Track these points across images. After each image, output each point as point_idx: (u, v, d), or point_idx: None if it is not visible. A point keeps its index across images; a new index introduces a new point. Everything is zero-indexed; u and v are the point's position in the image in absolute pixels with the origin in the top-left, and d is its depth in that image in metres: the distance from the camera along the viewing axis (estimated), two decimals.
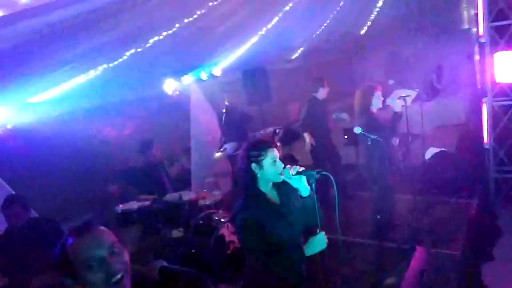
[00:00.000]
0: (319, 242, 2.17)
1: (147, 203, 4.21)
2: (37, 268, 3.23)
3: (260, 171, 2.15)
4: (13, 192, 3.90)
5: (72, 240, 1.29)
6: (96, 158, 4.95)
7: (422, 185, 4.58)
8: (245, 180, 2.18)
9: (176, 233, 4.39)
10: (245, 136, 5.76)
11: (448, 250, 3.80)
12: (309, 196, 2.20)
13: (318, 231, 2.19)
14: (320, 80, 5.44)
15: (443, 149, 5.69)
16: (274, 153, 2.16)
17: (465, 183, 4.96)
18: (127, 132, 5.90)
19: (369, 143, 3.90)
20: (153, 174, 4.68)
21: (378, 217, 4.14)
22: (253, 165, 2.14)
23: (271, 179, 2.18)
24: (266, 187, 2.20)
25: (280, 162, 2.17)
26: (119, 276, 1.28)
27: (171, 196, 4.38)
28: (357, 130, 3.86)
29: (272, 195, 2.23)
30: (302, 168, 2.15)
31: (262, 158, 2.14)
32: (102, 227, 1.35)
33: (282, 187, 2.22)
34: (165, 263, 1.52)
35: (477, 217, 4.47)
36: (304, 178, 2.16)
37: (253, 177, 2.16)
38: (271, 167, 2.14)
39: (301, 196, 2.21)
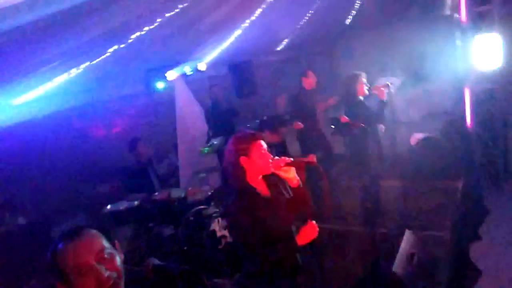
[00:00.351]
0: (310, 231, 2.19)
1: (136, 202, 4.18)
2: (26, 273, 3.20)
3: (248, 164, 2.15)
4: None
5: (61, 245, 1.27)
6: (84, 158, 4.89)
7: (409, 170, 4.64)
8: (234, 175, 2.17)
9: (167, 230, 4.37)
10: (233, 130, 5.74)
11: (436, 232, 3.89)
12: (298, 186, 2.22)
13: (309, 220, 2.22)
14: (303, 71, 5.45)
15: (428, 134, 5.77)
16: (261, 145, 2.16)
17: (451, 167, 5.05)
18: (115, 131, 5.84)
19: (356, 132, 3.93)
20: (140, 173, 4.63)
21: (369, 205, 4.20)
22: (242, 159, 2.14)
23: (260, 171, 2.18)
24: (255, 180, 2.20)
25: (268, 154, 2.18)
26: (110, 283, 1.26)
27: (160, 194, 4.36)
28: (343, 119, 3.89)
29: (262, 187, 2.23)
30: (290, 159, 2.17)
31: (250, 150, 2.14)
32: (93, 231, 1.32)
33: (271, 178, 2.23)
34: (157, 261, 1.51)
35: (463, 199, 4.56)
36: (293, 169, 2.17)
37: (242, 171, 2.15)
38: (260, 159, 2.14)
39: (290, 186, 2.23)
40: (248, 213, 2.09)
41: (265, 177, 2.23)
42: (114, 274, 1.28)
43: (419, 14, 9.49)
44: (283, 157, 2.17)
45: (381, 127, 4.40)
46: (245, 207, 2.11)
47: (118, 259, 1.32)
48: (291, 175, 2.17)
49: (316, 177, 2.50)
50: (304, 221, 2.24)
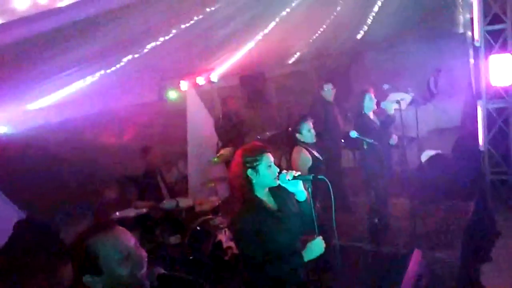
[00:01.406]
0: (317, 246, 2.17)
1: (144, 210, 4.20)
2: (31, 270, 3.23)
3: (256, 176, 2.14)
4: (9, 201, 3.88)
5: (95, 237, 1.32)
6: (94, 164, 4.95)
7: (419, 188, 4.59)
8: (241, 186, 2.16)
9: (174, 239, 4.37)
10: (242, 141, 5.76)
11: (446, 253, 3.81)
12: (305, 200, 2.21)
13: (315, 236, 2.20)
14: (321, 84, 5.22)
15: (439, 151, 5.71)
16: (269, 158, 2.16)
17: (462, 186, 4.98)
18: (125, 138, 5.90)
19: (365, 147, 3.92)
20: (150, 180, 4.66)
21: (376, 221, 4.15)
22: (249, 171, 2.13)
23: (267, 184, 2.17)
24: (262, 193, 2.19)
25: (275, 167, 2.18)
26: (144, 269, 1.35)
27: (168, 203, 4.37)
28: (353, 134, 3.87)
29: (269, 200, 2.22)
30: (298, 173, 2.16)
31: (257, 163, 2.13)
32: (121, 227, 1.41)
33: (278, 192, 2.22)
34: (163, 270, 1.52)
35: (475, 220, 4.48)
36: (300, 182, 2.16)
37: (249, 183, 2.15)
38: (267, 172, 2.13)
39: (297, 200, 2.22)
40: (253, 226, 2.08)
41: (271, 190, 2.23)
42: (146, 263, 1.37)
43: (431, 31, 9.48)
44: (290, 170, 2.17)
45: (394, 138, 4.33)
46: (250, 219, 2.10)
47: (144, 251, 1.41)
48: (298, 189, 2.17)
49: (323, 191, 2.49)
50: (310, 236, 2.22)
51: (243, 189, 2.16)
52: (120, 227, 1.40)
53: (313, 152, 3.53)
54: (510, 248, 3.85)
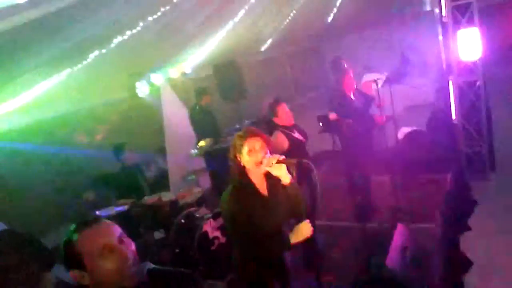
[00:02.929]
0: (304, 229, 2.19)
1: (126, 207, 4.11)
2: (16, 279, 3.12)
3: (242, 160, 2.15)
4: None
5: (80, 232, 1.31)
6: (69, 166, 4.80)
7: (398, 165, 4.68)
8: (232, 168, 2.21)
9: (158, 234, 4.32)
10: (218, 131, 5.69)
11: (427, 224, 3.93)
12: (291, 184, 2.21)
13: (303, 219, 2.21)
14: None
15: (414, 128, 5.84)
16: (252, 143, 2.15)
17: (438, 160, 5.12)
18: (99, 137, 5.74)
19: (344, 128, 3.95)
20: (128, 178, 4.56)
21: (359, 199, 4.22)
22: (237, 154, 2.16)
23: (250, 168, 2.17)
24: (256, 178, 2.20)
25: (260, 152, 2.15)
26: (130, 262, 1.32)
27: (149, 198, 4.30)
28: (332, 116, 3.89)
29: (261, 186, 2.22)
30: (282, 157, 2.15)
31: (242, 147, 2.15)
32: (107, 220, 1.40)
33: (273, 178, 2.22)
34: (152, 265, 1.48)
35: (452, 191, 4.62)
36: (284, 166, 2.16)
37: (239, 165, 2.17)
38: (247, 156, 2.14)
39: (283, 185, 2.21)
40: (240, 207, 2.10)
41: (267, 177, 2.22)
42: (132, 256, 1.35)
43: (400, 10, 9.62)
44: (274, 155, 2.16)
45: (383, 118, 4.34)
46: (239, 201, 2.11)
47: (133, 245, 1.40)
48: (282, 172, 2.16)
49: (307, 174, 2.49)
50: (297, 219, 2.23)
51: (234, 170, 2.20)
52: (106, 221, 1.38)
53: (293, 134, 3.50)
54: (485, 216, 3.99)
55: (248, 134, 2.18)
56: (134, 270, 1.34)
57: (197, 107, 5.53)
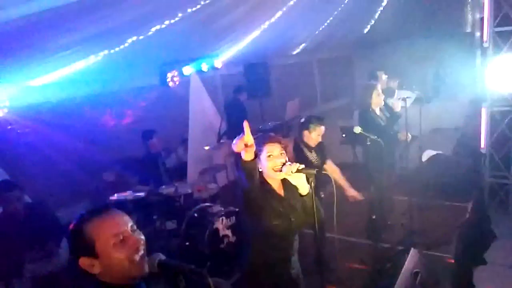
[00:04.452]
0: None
1: (143, 193, 4.19)
2: (31, 251, 3.24)
3: (260, 164, 2.17)
4: (8, 177, 3.86)
5: (91, 220, 1.33)
6: (93, 146, 4.91)
7: (418, 187, 4.59)
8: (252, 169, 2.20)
9: (170, 224, 4.38)
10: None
11: (442, 253, 3.84)
12: (308, 194, 2.20)
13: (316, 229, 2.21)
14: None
15: (439, 152, 5.71)
16: (270, 148, 2.17)
17: (461, 187, 4.99)
18: (125, 121, 5.86)
19: (368, 143, 3.89)
20: (150, 164, 4.64)
21: (374, 217, 4.15)
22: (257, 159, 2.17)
23: (268, 173, 2.18)
24: (273, 182, 2.23)
25: (279, 159, 2.16)
26: (141, 252, 1.34)
27: (166, 188, 4.36)
28: (357, 129, 3.84)
29: (279, 188, 2.26)
30: (301, 166, 2.14)
31: (260, 152, 2.16)
32: (117, 209, 1.41)
33: (291, 186, 2.22)
34: (163, 257, 1.50)
35: (471, 221, 4.49)
36: (303, 176, 2.15)
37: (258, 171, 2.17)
38: (265, 162, 2.16)
39: (300, 194, 2.21)
40: (258, 199, 2.11)
41: (284, 183, 2.25)
42: (143, 247, 1.36)
43: (439, 29, 9.40)
44: (294, 163, 2.16)
45: (408, 135, 4.28)
46: (257, 192, 2.12)
47: (143, 236, 1.41)
48: (301, 182, 2.16)
49: (325, 185, 2.48)
50: (310, 229, 2.24)
51: (253, 171, 2.15)
52: (117, 211, 1.40)
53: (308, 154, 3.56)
54: (505, 252, 3.87)
55: (268, 139, 2.20)
56: (144, 261, 1.35)
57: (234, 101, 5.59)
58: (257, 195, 2.13)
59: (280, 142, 2.20)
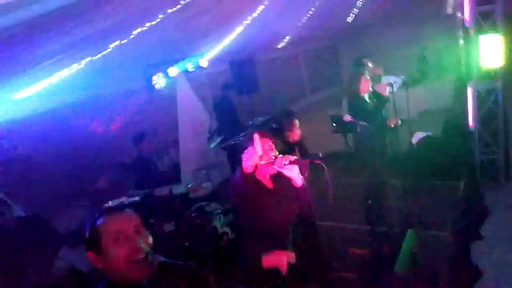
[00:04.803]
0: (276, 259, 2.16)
1: (137, 198, 4.16)
2: (27, 266, 3.21)
3: (252, 160, 2.18)
4: None
5: (103, 217, 1.40)
6: (84, 153, 4.87)
7: (410, 170, 4.64)
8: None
9: (168, 227, 4.36)
10: (238, 125, 5.74)
11: (438, 231, 3.89)
12: (302, 185, 2.21)
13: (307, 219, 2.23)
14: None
15: (429, 133, 5.77)
16: (257, 143, 2.20)
17: (452, 166, 5.05)
18: (114, 127, 5.81)
19: (358, 130, 3.92)
20: (142, 168, 4.61)
21: (369, 202, 4.19)
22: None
23: (260, 168, 2.20)
24: (263, 176, 2.25)
25: (267, 152, 2.19)
26: (142, 255, 1.35)
27: (162, 190, 4.34)
28: (347, 117, 3.87)
29: (266, 181, 2.27)
30: (294, 157, 2.16)
31: (251, 147, 2.20)
32: (132, 211, 1.47)
33: (284, 178, 2.24)
34: (163, 258, 1.51)
35: (464, 199, 4.56)
36: (296, 167, 2.17)
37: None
38: (257, 156, 2.19)
39: (294, 186, 2.22)
40: (245, 193, 2.14)
41: (272, 176, 2.26)
42: (147, 248, 1.38)
43: (420, 13, 9.46)
44: (287, 156, 2.17)
45: (396, 120, 4.31)
46: (243, 186, 2.16)
47: (151, 238, 1.43)
48: (294, 173, 2.17)
49: (319, 175, 2.49)
50: (302, 219, 2.27)
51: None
52: (127, 211, 1.44)
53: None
54: (499, 226, 3.93)
55: (257, 135, 2.23)
56: (145, 264, 1.36)
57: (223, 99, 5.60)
58: (248, 191, 2.15)
59: (270, 137, 2.22)
